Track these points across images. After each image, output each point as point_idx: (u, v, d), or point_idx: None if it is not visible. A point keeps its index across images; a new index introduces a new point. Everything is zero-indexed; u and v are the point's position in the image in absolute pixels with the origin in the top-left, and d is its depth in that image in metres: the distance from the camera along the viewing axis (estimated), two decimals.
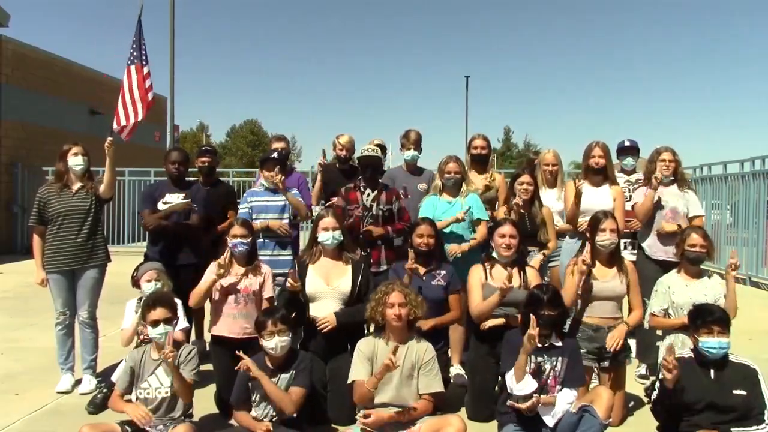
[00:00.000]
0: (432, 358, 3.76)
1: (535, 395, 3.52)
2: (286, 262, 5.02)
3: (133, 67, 5.62)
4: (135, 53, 5.64)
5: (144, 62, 5.66)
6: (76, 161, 4.71)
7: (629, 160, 5.59)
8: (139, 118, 5.62)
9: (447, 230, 4.91)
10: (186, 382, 3.58)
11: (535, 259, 4.86)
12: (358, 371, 3.71)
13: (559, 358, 3.66)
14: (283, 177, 5.07)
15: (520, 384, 3.55)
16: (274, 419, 3.63)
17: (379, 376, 3.55)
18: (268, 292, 4.39)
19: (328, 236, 4.32)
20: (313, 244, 4.43)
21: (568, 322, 4.17)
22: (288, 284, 4.17)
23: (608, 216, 4.30)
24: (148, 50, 5.73)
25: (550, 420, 3.54)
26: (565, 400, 3.58)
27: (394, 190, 5.20)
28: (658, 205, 5.04)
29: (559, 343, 3.71)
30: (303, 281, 4.30)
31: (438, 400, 3.77)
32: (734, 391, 3.43)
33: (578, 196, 4.91)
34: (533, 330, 3.50)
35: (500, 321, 4.19)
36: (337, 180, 5.68)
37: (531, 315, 3.57)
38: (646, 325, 4.42)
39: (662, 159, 5.05)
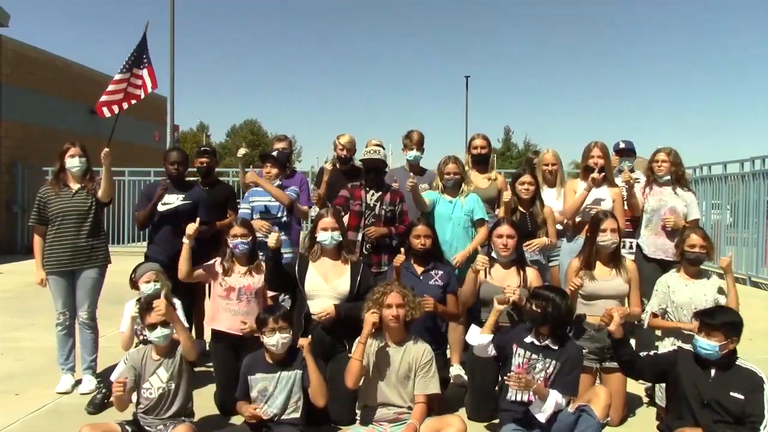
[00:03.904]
0: (430, 359, 3.76)
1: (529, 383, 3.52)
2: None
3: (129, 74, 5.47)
4: (132, 61, 5.48)
5: (144, 65, 5.55)
6: (72, 163, 4.71)
7: (625, 163, 5.61)
8: (124, 106, 5.53)
9: (448, 232, 4.95)
10: (189, 335, 3.68)
11: (537, 241, 4.93)
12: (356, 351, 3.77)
13: (553, 362, 3.65)
14: (266, 175, 5.09)
15: (480, 336, 3.77)
16: (274, 418, 3.65)
17: (362, 340, 3.67)
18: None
19: (327, 236, 4.32)
20: (312, 243, 4.43)
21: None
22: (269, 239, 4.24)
23: (608, 216, 4.32)
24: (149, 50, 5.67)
25: (541, 416, 3.53)
26: (555, 399, 3.55)
27: (398, 192, 5.20)
28: (658, 206, 5.06)
29: (555, 347, 3.69)
30: (303, 277, 4.32)
31: (434, 401, 3.76)
32: (731, 394, 3.40)
33: (590, 186, 4.96)
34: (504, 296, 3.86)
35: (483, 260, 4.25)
36: (338, 180, 5.66)
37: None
38: (645, 324, 4.43)
39: (655, 160, 5.14)
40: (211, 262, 4.47)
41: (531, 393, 3.53)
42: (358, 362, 3.68)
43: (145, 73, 5.52)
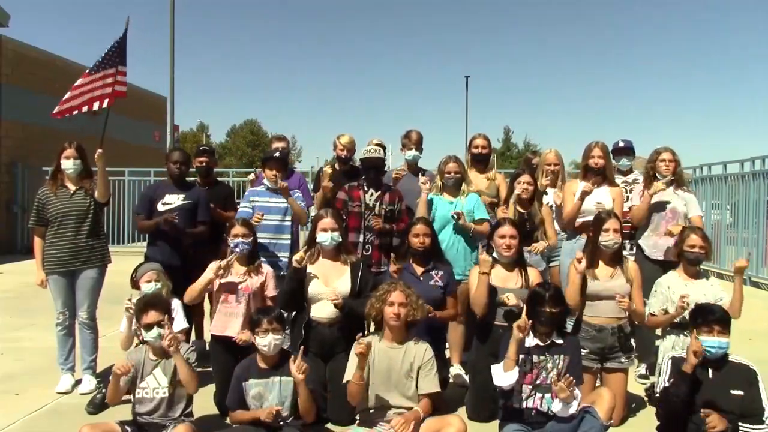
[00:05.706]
0: (431, 358, 3.76)
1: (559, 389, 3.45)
2: (283, 264, 5.00)
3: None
4: (107, 60, 5.09)
5: (118, 64, 5.11)
6: (66, 164, 4.70)
7: (624, 161, 5.62)
8: (94, 108, 5.13)
9: (448, 233, 4.93)
10: (192, 370, 3.57)
11: (539, 245, 4.88)
12: (351, 371, 3.69)
13: (561, 356, 3.68)
14: (286, 184, 5.03)
15: (506, 374, 3.57)
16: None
17: (361, 365, 3.57)
18: (270, 291, 4.40)
19: (327, 237, 4.31)
20: (311, 244, 4.41)
21: (570, 321, 4.17)
22: (294, 260, 4.17)
23: (611, 216, 4.31)
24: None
25: (567, 410, 3.50)
26: (578, 396, 3.56)
27: (397, 191, 5.20)
28: (658, 206, 5.06)
29: (561, 341, 3.73)
30: (301, 282, 4.29)
31: (435, 400, 3.76)
32: (732, 392, 3.42)
33: (583, 195, 4.92)
34: (523, 321, 3.57)
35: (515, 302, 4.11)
36: (338, 180, 5.66)
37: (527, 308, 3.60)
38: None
39: (662, 159, 5.07)
40: (207, 276, 4.33)
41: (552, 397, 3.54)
42: (357, 386, 3.60)
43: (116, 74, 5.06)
